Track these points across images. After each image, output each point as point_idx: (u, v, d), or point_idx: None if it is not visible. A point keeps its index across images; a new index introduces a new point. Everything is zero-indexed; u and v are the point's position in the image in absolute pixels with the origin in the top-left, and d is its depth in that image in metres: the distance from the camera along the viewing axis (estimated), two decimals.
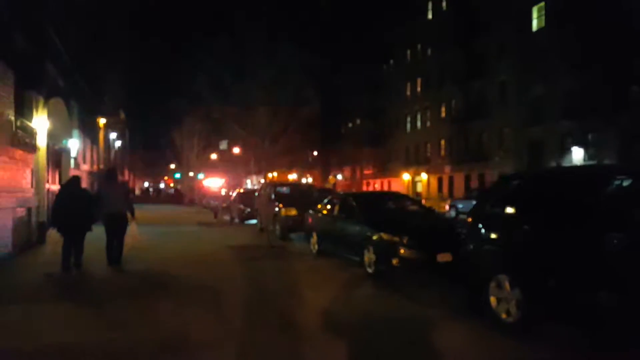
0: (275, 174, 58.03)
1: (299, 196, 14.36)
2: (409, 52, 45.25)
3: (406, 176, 43.15)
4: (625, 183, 4.33)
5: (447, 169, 38.31)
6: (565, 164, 27.47)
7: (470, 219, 5.51)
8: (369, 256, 7.44)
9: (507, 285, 4.68)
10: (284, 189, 15.77)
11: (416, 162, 43.16)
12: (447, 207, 24.57)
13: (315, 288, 6.78)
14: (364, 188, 49.93)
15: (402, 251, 6.90)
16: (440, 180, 39.76)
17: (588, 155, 26.14)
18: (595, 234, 3.93)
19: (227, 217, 20.61)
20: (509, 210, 5.11)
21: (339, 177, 61.16)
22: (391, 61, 48.42)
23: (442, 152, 39.89)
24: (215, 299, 5.98)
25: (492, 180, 32.67)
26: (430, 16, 42.10)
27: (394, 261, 6.93)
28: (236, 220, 18.97)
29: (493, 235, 5.09)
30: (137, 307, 5.57)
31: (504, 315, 4.70)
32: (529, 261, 4.48)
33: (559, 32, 27.14)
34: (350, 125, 57.94)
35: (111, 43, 24.21)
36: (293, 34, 38.88)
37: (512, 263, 4.70)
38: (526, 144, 30.54)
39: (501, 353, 4.18)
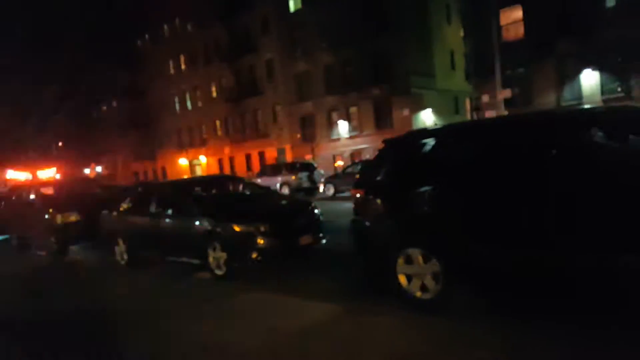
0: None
1: (74, 195, 11.25)
2: (166, 26, 41.91)
3: (183, 160, 40.67)
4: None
5: (227, 149, 37.66)
6: (334, 136, 30.36)
7: (359, 193, 4.77)
8: (215, 255, 6.00)
9: (419, 258, 4.17)
10: (49, 188, 12.18)
11: (191, 144, 41.03)
12: None
13: (153, 312, 5.04)
14: (134, 179, 44.97)
15: (260, 241, 5.77)
16: (220, 162, 38.85)
17: (351, 127, 29.37)
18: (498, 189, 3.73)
19: None
20: (405, 178, 4.53)
21: (99, 169, 53.73)
22: (147, 36, 44.08)
23: (219, 133, 38.90)
24: None
25: (273, 156, 33.75)
26: None
27: (253, 255, 5.74)
28: None
29: (394, 207, 4.48)
30: None
31: (418, 293, 4.19)
32: (444, 227, 4.04)
33: (314, 13, 29.16)
34: (104, 108, 51.00)
35: None
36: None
37: (424, 233, 4.19)
38: (298, 119, 32.35)
39: (425, 334, 3.62)
